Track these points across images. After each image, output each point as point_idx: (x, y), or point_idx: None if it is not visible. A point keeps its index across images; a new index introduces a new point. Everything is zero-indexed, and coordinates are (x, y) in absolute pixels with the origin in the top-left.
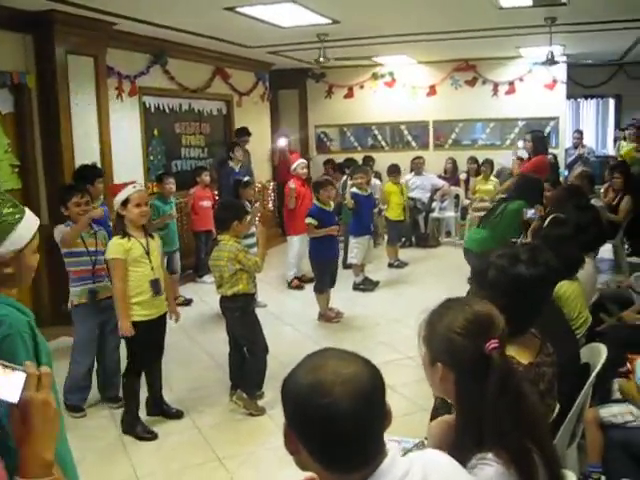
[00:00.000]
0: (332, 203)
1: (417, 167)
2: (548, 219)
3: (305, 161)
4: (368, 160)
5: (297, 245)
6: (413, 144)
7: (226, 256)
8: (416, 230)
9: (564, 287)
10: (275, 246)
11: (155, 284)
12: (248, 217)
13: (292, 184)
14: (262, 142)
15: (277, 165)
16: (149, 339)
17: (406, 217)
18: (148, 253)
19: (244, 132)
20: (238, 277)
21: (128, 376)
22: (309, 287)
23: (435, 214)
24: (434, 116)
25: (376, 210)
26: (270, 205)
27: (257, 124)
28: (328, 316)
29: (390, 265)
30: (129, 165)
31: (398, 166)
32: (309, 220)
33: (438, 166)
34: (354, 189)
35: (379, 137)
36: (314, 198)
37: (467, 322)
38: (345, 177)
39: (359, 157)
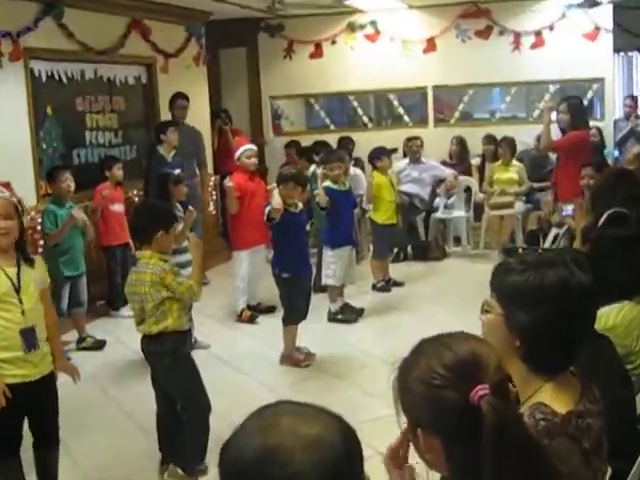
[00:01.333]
0: (298, 203)
1: (413, 151)
2: (605, 215)
3: (253, 147)
4: (345, 143)
5: (245, 263)
6: (406, 119)
7: (148, 280)
8: (413, 237)
9: (624, 310)
10: (220, 264)
11: (28, 335)
12: (179, 225)
13: (228, 181)
14: (198, 120)
15: (217, 151)
16: (17, 412)
17: (399, 220)
18: (18, 290)
19: (179, 98)
20: (166, 309)
21: None
22: (266, 319)
23: (439, 214)
24: (434, 80)
25: (358, 211)
26: (211, 207)
27: (191, 96)
28: (295, 358)
29: (378, 286)
30: (10, 157)
31: (387, 150)
32: (267, 210)
33: (441, 149)
34: (327, 183)
35: (359, 111)
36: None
37: (445, 369)
38: (314, 167)
39: (333, 139)
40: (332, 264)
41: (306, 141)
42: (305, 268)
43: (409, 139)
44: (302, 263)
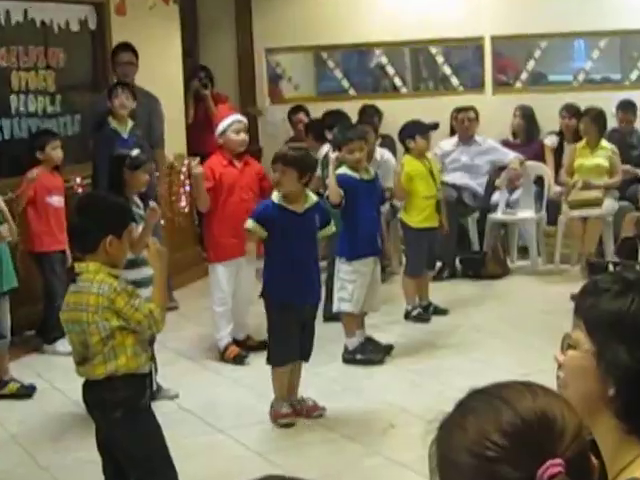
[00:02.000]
0: (309, 195)
1: (463, 127)
2: None
3: (241, 118)
4: (370, 114)
5: (224, 279)
6: (455, 83)
7: (93, 303)
8: (462, 246)
9: None
10: (196, 281)
11: None
12: (137, 228)
13: (196, 166)
14: (167, 82)
15: (193, 125)
16: None
17: (443, 222)
18: None
19: (122, 50)
20: (117, 343)
21: None
22: (258, 360)
23: (498, 215)
24: (493, 29)
25: (386, 209)
26: (183, 203)
27: (157, 48)
28: (276, 413)
29: (413, 314)
30: None
31: (424, 125)
32: (251, 225)
33: (502, 123)
34: (343, 169)
35: (389, 70)
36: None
37: (502, 435)
38: (326, 147)
39: (352, 109)
40: (349, 283)
41: (316, 111)
42: (308, 292)
43: (458, 110)
44: (304, 285)
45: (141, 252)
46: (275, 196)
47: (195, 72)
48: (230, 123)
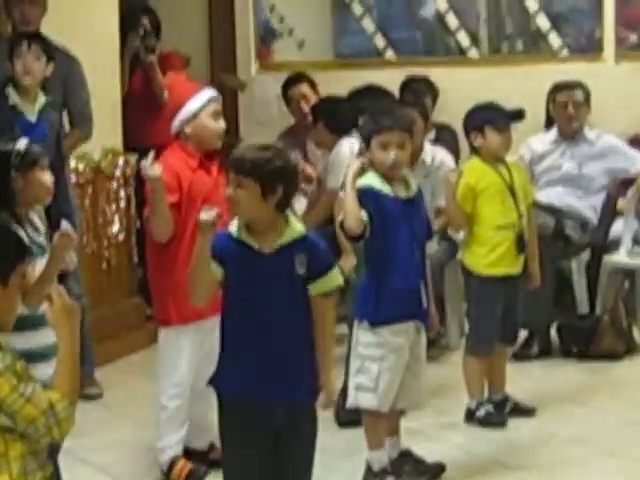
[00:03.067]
0: (295, 224)
1: (566, 116)
2: None
3: (213, 95)
4: (418, 91)
5: (186, 354)
6: (555, 44)
7: None
8: (563, 306)
9: None
10: (132, 353)
11: None
12: (34, 266)
13: (152, 166)
14: (92, 36)
15: (128, 102)
16: None
17: (531, 268)
18: None
19: None
20: None
21: None
22: None
23: (621, 257)
24: None
25: (435, 245)
26: (115, 227)
27: None
28: None
29: (479, 415)
30: None
31: (504, 113)
32: None
33: (631, 109)
34: (369, 179)
35: (451, 22)
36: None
37: None
38: (348, 144)
39: (390, 80)
40: (372, 362)
41: (331, 84)
42: (277, 382)
43: (557, 88)
44: (269, 370)
45: (39, 306)
46: (233, 225)
47: (134, 18)
48: (205, 103)
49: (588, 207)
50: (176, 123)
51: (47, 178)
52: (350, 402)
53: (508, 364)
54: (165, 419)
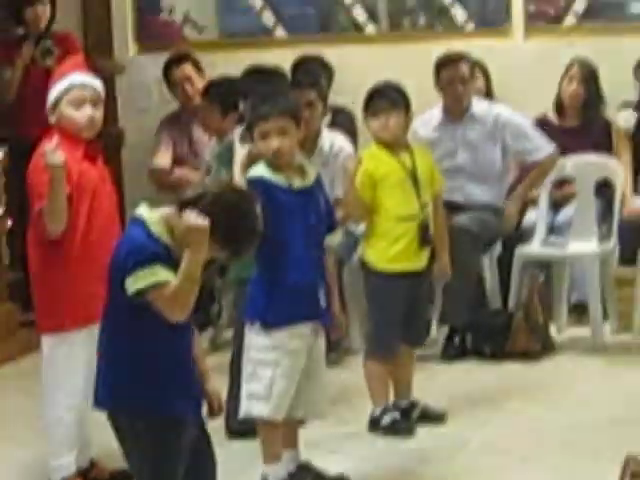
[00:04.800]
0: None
1: (452, 93)
2: None
3: (85, 80)
4: (312, 72)
5: (79, 364)
6: (459, 18)
7: None
8: (473, 303)
9: None
10: (9, 362)
11: None
12: None
13: (56, 154)
14: None
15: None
16: None
17: (441, 261)
18: None
19: None
20: None
21: None
22: None
23: (535, 247)
24: None
25: (336, 238)
26: None
27: None
28: None
29: (383, 423)
30: None
31: (397, 90)
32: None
33: (539, 89)
34: (259, 170)
35: None
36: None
37: None
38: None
39: (281, 60)
40: (265, 367)
41: (218, 66)
42: (191, 398)
43: (442, 63)
44: (184, 388)
45: None
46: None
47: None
48: (64, 90)
49: (492, 196)
50: (47, 109)
51: None
52: (242, 411)
53: (417, 366)
54: (61, 433)
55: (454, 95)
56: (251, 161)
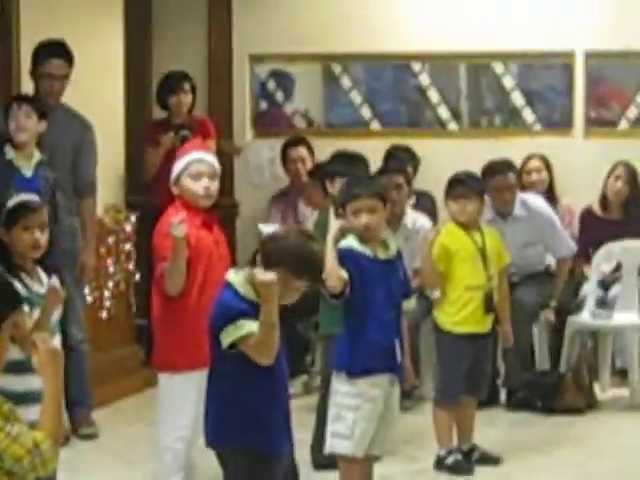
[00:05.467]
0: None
1: (502, 200)
2: None
3: (204, 157)
4: (401, 159)
5: (191, 399)
6: (529, 119)
7: None
8: (526, 364)
9: None
10: (127, 397)
11: None
12: (27, 316)
13: (180, 227)
14: (101, 102)
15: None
16: None
17: (505, 328)
18: None
19: (51, 54)
20: None
21: None
22: None
23: (585, 318)
24: (590, 41)
25: (411, 304)
26: (115, 279)
27: (86, 45)
28: None
29: (448, 462)
30: None
31: (475, 179)
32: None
33: (593, 183)
34: (349, 241)
35: (433, 96)
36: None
37: None
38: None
39: (376, 149)
40: (349, 411)
41: (323, 152)
42: (285, 436)
43: (493, 171)
44: (279, 426)
45: (29, 353)
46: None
47: (176, 81)
48: (185, 165)
49: (537, 264)
50: (172, 181)
51: (27, 237)
52: (327, 448)
53: (477, 415)
54: (171, 460)
55: (502, 200)
56: (342, 234)
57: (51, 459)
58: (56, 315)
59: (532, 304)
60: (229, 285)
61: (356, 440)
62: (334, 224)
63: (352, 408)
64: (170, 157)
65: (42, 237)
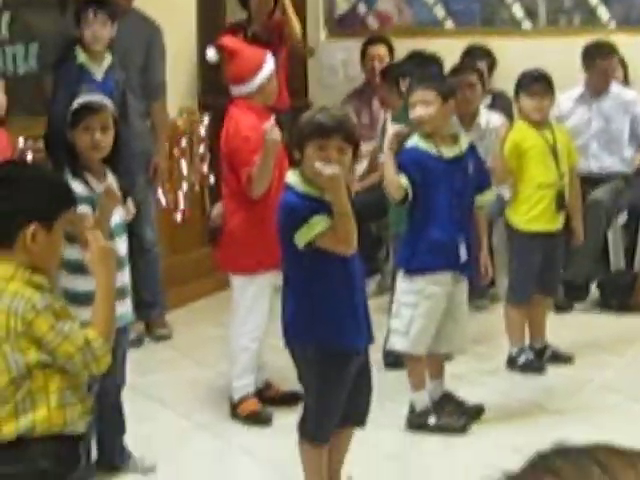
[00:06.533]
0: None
1: (604, 81)
2: None
3: (272, 59)
4: (478, 57)
5: (264, 303)
6: (603, 17)
7: (2, 324)
8: (600, 263)
9: None
10: (200, 298)
11: None
12: (85, 215)
13: (274, 131)
14: (174, 7)
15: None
16: None
17: (575, 226)
18: None
19: None
20: (35, 388)
21: None
22: (287, 419)
23: None
24: None
25: (486, 195)
26: (187, 183)
27: None
28: None
29: (520, 361)
30: None
31: (548, 77)
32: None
33: None
34: (414, 141)
35: None
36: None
37: None
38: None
39: (451, 48)
40: (406, 308)
41: (398, 51)
42: (358, 333)
43: (600, 53)
44: (352, 324)
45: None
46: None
47: None
48: (274, 68)
49: (620, 161)
50: (253, 85)
51: (88, 137)
52: (388, 344)
53: (549, 314)
54: (246, 360)
55: (605, 81)
56: (400, 138)
57: (103, 357)
58: (118, 217)
59: (609, 205)
60: (289, 187)
61: (413, 337)
62: (390, 129)
63: (410, 305)
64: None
65: (104, 138)
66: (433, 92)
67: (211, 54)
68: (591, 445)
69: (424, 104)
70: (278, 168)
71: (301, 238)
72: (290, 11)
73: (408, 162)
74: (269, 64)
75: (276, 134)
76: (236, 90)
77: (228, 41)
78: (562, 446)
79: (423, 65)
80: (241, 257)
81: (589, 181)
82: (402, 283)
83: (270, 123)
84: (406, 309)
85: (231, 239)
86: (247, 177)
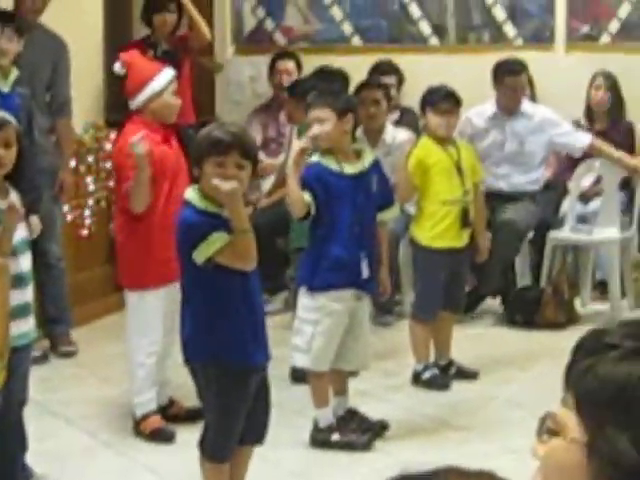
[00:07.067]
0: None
1: (513, 99)
2: None
3: (174, 74)
4: (385, 73)
5: (159, 317)
6: (510, 34)
7: None
8: (506, 278)
9: None
10: (104, 316)
11: None
12: None
13: (141, 145)
14: (82, 25)
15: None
16: None
17: (479, 242)
18: None
19: None
20: None
21: None
22: (190, 434)
23: (565, 232)
24: None
25: (390, 212)
26: (93, 199)
27: None
28: None
29: (424, 377)
30: None
31: (455, 95)
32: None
33: (575, 96)
34: (317, 157)
35: (414, 10)
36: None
37: None
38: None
39: (359, 65)
40: (307, 325)
41: (305, 68)
42: (258, 349)
43: (506, 71)
44: (251, 340)
45: None
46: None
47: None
48: (169, 80)
49: (531, 182)
50: (140, 99)
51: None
52: (292, 361)
53: (455, 330)
54: (143, 376)
55: (515, 98)
56: (304, 154)
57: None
58: (22, 233)
59: (522, 226)
60: (188, 203)
61: (314, 354)
62: (295, 145)
63: (311, 322)
64: None
65: (6, 154)
66: (328, 109)
67: (118, 67)
68: (436, 469)
69: (319, 122)
70: (169, 182)
71: (200, 254)
72: (195, 14)
73: (311, 178)
74: (160, 80)
75: (142, 148)
76: (131, 104)
77: (126, 54)
78: (407, 473)
79: (329, 81)
80: (130, 273)
81: (499, 198)
82: (303, 300)
83: (137, 137)
84: (307, 326)
85: (120, 254)
86: (125, 192)
